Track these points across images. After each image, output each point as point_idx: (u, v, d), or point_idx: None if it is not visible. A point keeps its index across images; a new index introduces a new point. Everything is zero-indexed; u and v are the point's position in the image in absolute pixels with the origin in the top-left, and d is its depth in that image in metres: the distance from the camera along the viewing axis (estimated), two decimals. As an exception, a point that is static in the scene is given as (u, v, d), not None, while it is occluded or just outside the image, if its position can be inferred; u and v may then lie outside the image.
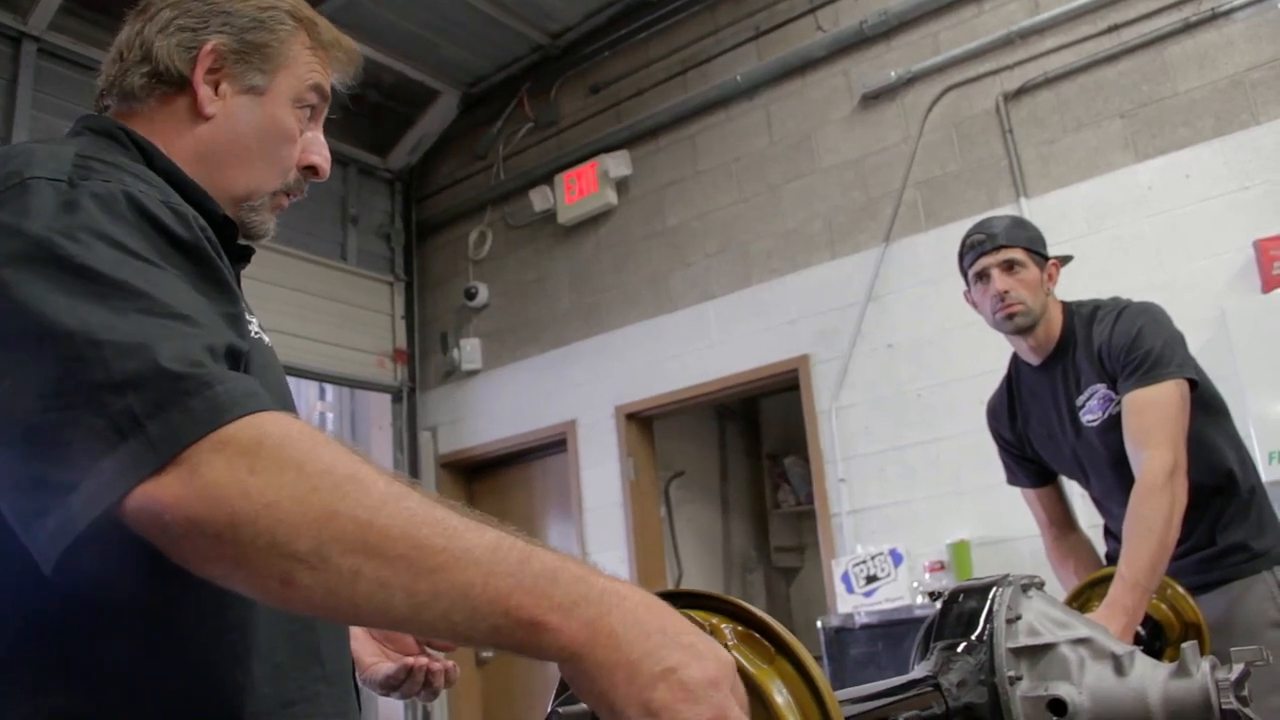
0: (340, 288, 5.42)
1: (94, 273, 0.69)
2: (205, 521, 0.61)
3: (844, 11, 4.44)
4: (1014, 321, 2.09)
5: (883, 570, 3.80)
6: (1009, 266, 2.09)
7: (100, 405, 0.64)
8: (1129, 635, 1.69)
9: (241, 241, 1.01)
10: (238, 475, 0.62)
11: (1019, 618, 0.97)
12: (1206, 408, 2.03)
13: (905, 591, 3.73)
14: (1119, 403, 1.98)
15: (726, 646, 0.62)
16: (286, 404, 0.94)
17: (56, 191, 0.74)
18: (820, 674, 0.62)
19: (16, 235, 0.71)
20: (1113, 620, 1.66)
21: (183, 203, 0.82)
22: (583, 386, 4.99)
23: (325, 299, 5.27)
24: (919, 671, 0.95)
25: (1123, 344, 1.99)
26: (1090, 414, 2.06)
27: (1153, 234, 3.59)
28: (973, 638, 0.95)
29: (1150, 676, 0.93)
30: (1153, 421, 1.89)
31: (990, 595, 0.97)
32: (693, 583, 5.08)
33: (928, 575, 3.74)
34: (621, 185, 5.04)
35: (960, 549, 3.72)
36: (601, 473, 4.85)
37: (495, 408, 5.32)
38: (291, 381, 1.02)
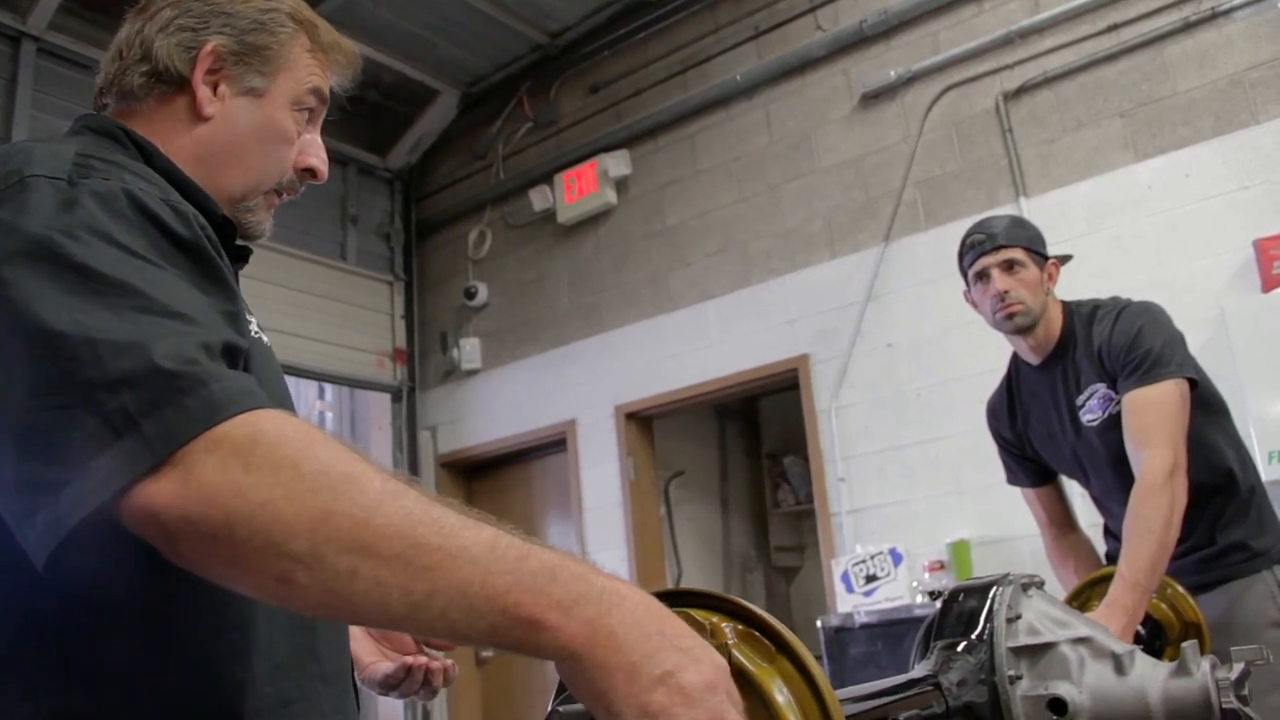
0: (340, 287, 5.42)
1: (92, 271, 0.69)
2: (200, 521, 0.61)
3: (844, 11, 4.44)
4: (1014, 321, 2.09)
5: (882, 570, 3.80)
6: (1009, 266, 2.09)
7: (95, 404, 0.64)
8: (1129, 634, 1.69)
9: (240, 242, 1.01)
10: (232, 474, 0.62)
11: (1019, 617, 0.97)
12: (1206, 407, 2.03)
13: (905, 591, 3.73)
14: (1119, 402, 1.98)
15: (727, 646, 0.62)
16: (285, 404, 0.94)
17: (56, 190, 0.74)
18: (820, 673, 0.62)
19: (15, 233, 0.71)
20: (1113, 619, 1.66)
21: (183, 201, 0.82)
22: (582, 386, 4.99)
23: (325, 298, 5.27)
24: (919, 671, 0.95)
25: (1123, 343, 1.99)
26: (1090, 413, 2.06)
27: (1152, 233, 3.59)
28: (973, 637, 0.95)
29: (1150, 676, 0.93)
30: (1153, 421, 1.89)
31: (990, 594, 0.97)
32: (692, 582, 5.08)
33: (927, 575, 3.74)
34: (621, 185, 5.04)
35: (960, 548, 3.72)
36: (601, 472, 4.85)
37: (495, 407, 5.32)
38: (291, 381, 1.02)
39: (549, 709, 0.65)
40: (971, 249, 2.13)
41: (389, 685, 1.16)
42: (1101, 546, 2.25)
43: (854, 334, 4.17)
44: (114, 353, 0.65)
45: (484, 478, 5.54)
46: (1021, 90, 3.93)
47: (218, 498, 0.61)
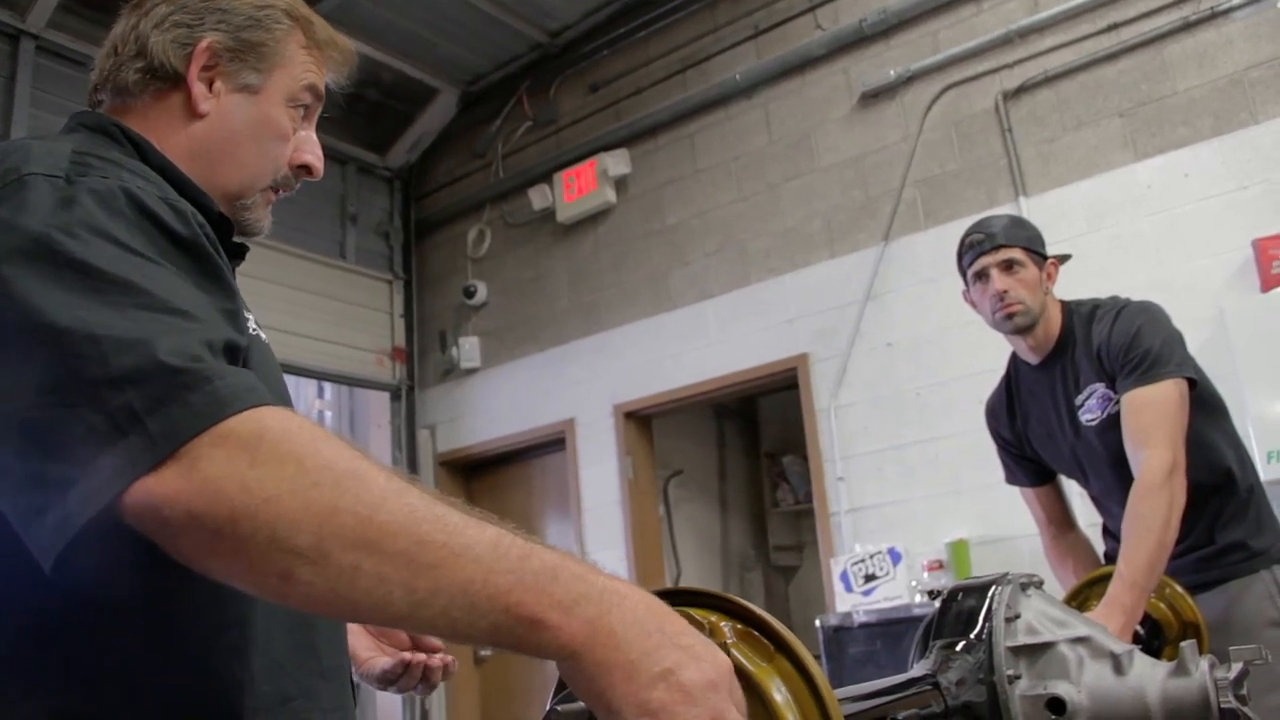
0: (339, 286, 5.42)
1: (92, 269, 0.69)
2: (205, 516, 0.61)
3: (843, 10, 4.44)
4: (1013, 321, 2.09)
5: (881, 569, 3.80)
6: (1008, 266, 2.09)
7: (99, 401, 0.64)
8: (1127, 634, 1.69)
9: (237, 239, 1.00)
10: (238, 469, 0.61)
11: (1018, 616, 0.97)
12: (1205, 407, 2.03)
13: (904, 590, 3.73)
14: (1118, 402, 1.98)
15: (726, 644, 0.62)
16: (285, 401, 0.94)
17: (54, 188, 0.74)
18: (819, 672, 0.62)
19: (14, 231, 0.71)
20: (1111, 619, 1.66)
21: (180, 199, 0.82)
22: (581, 385, 4.98)
23: (324, 297, 5.27)
24: (918, 670, 0.95)
25: (1122, 343, 1.99)
26: (1089, 413, 2.05)
27: (1152, 233, 3.59)
28: (972, 636, 0.95)
29: (1149, 675, 0.93)
30: (1151, 421, 1.89)
31: (989, 594, 0.97)
32: (691, 581, 5.08)
33: (926, 574, 3.74)
34: (620, 184, 5.03)
35: (959, 548, 3.72)
36: (600, 471, 4.85)
37: (494, 406, 5.32)
38: (290, 380, 1.02)
39: (547, 708, 0.65)
40: (971, 249, 2.13)
41: (387, 680, 1.16)
42: (1100, 546, 2.25)
43: (853, 333, 4.17)
44: (118, 349, 0.65)
45: (483, 477, 5.54)
46: (1021, 89, 3.93)
47: (223, 492, 0.61)
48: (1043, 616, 0.98)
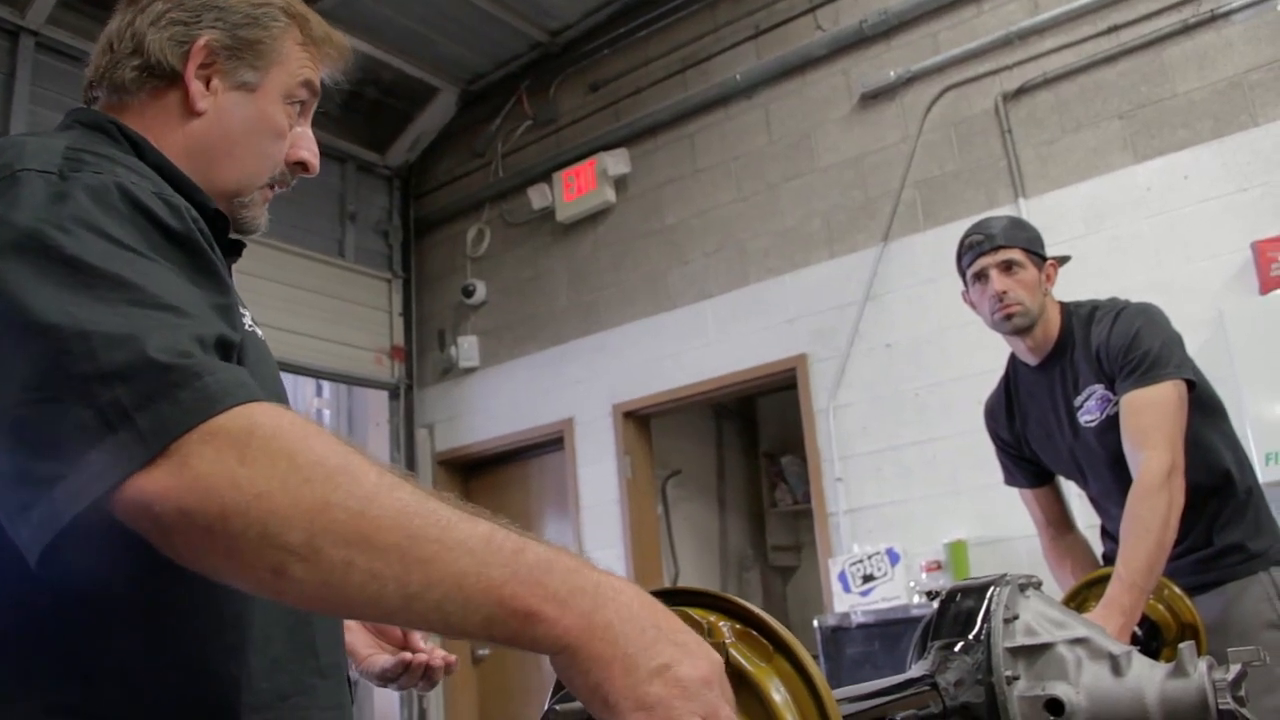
0: (338, 284, 5.42)
1: (83, 264, 0.69)
2: (195, 513, 0.61)
3: (843, 11, 4.44)
4: (1012, 322, 2.09)
5: (879, 570, 3.80)
6: (1007, 267, 2.08)
7: (88, 397, 0.63)
8: (1126, 635, 1.69)
9: (233, 236, 1.00)
10: (228, 466, 0.61)
11: (1016, 617, 0.97)
12: (1204, 408, 2.03)
13: (902, 591, 3.73)
14: (1117, 403, 1.98)
15: (724, 644, 0.62)
16: (280, 398, 0.94)
17: (47, 183, 0.74)
18: (818, 672, 0.61)
19: (6, 226, 0.71)
20: (1110, 620, 1.66)
21: (175, 195, 0.81)
22: (580, 384, 4.98)
23: (323, 295, 5.27)
24: (916, 670, 0.95)
25: (1121, 344, 1.99)
26: (1088, 414, 2.05)
27: (1151, 235, 3.59)
28: (970, 637, 0.95)
29: (1147, 676, 0.93)
30: (1150, 422, 1.89)
31: (988, 595, 0.97)
32: (689, 581, 5.08)
33: (924, 575, 3.74)
34: (620, 183, 5.03)
35: (957, 549, 3.72)
36: (598, 471, 4.85)
37: (492, 405, 5.32)
38: (288, 378, 1.02)
39: (546, 707, 0.64)
40: (970, 249, 2.13)
41: (387, 678, 1.16)
42: (1099, 547, 2.25)
43: (852, 334, 4.17)
44: (107, 345, 0.65)
45: (481, 476, 5.53)
46: (1021, 91, 3.93)
47: (213, 489, 0.61)
48: (1041, 617, 0.98)
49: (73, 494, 0.62)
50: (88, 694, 0.75)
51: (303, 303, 5.08)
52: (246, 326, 0.90)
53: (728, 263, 4.62)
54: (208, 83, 0.96)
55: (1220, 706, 0.89)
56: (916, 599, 3.65)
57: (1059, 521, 2.28)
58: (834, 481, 4.13)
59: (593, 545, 4.74)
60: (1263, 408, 3.09)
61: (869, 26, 4.30)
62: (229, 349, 0.71)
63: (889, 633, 3.53)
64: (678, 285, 4.76)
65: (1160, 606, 1.83)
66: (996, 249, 2.09)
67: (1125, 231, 3.64)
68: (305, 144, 1.03)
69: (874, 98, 4.30)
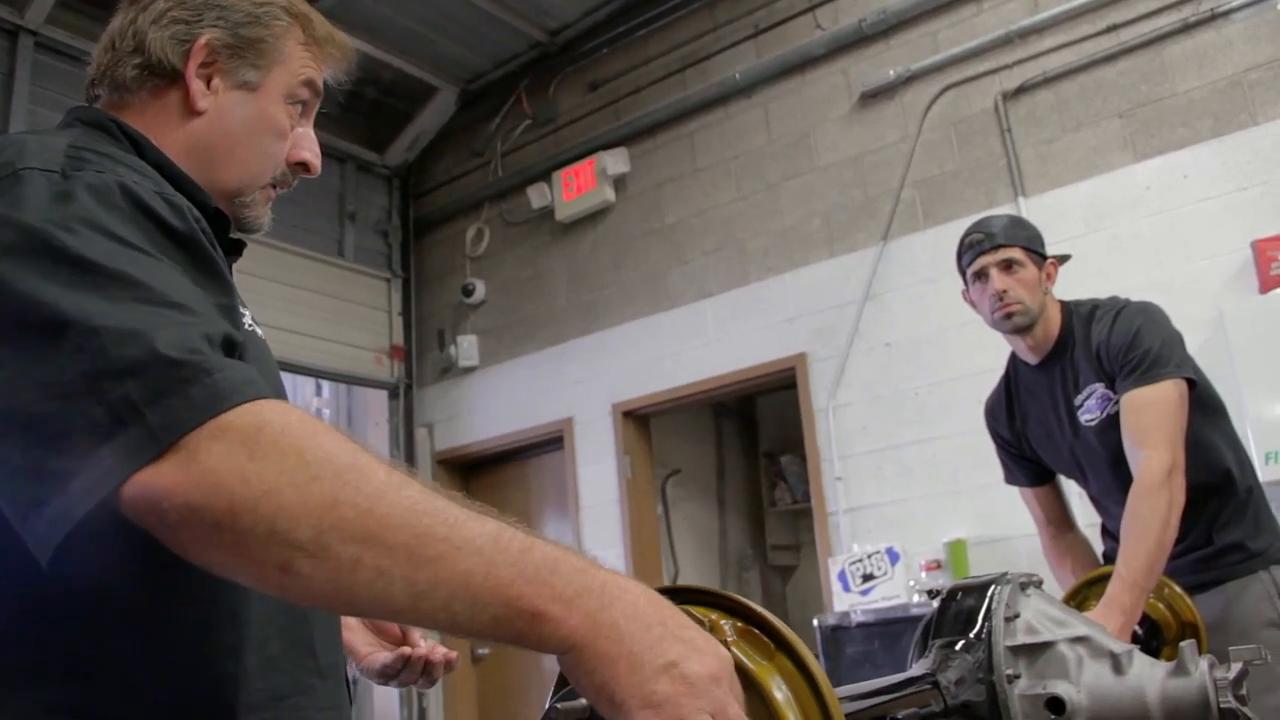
0: (337, 284, 5.41)
1: (89, 263, 0.69)
2: (204, 508, 0.61)
3: (843, 10, 4.44)
4: (1012, 321, 2.08)
5: (879, 569, 3.80)
6: (1007, 266, 2.08)
7: (99, 393, 0.63)
8: (1126, 634, 1.69)
9: (234, 235, 1.00)
10: (237, 462, 0.61)
11: (1017, 616, 0.97)
12: (1204, 408, 2.03)
13: (902, 590, 3.73)
14: (1117, 402, 1.98)
15: (726, 643, 0.62)
16: (281, 397, 0.94)
17: (50, 182, 0.74)
18: (820, 671, 0.61)
19: (10, 226, 0.70)
20: (1110, 619, 1.66)
21: (176, 194, 0.81)
22: (580, 384, 4.98)
23: (322, 295, 5.27)
24: (917, 669, 0.95)
25: (1121, 343, 1.99)
26: (1088, 413, 2.05)
27: (1151, 234, 3.59)
28: (971, 636, 0.95)
29: (1148, 675, 0.93)
30: (1151, 421, 1.89)
31: (989, 593, 0.97)
32: (689, 581, 5.08)
33: (924, 574, 3.74)
34: (619, 183, 5.03)
35: (957, 548, 3.72)
36: (598, 470, 4.85)
37: (492, 405, 5.32)
38: (288, 377, 1.02)
39: (547, 705, 0.64)
40: (970, 248, 2.13)
41: (387, 675, 1.15)
42: (1099, 546, 2.25)
43: (852, 333, 4.17)
44: (117, 341, 0.65)
45: (481, 475, 5.53)
46: (1020, 90, 3.93)
47: (222, 485, 0.61)
48: (1042, 616, 0.98)
49: (86, 490, 0.62)
50: (88, 693, 0.75)
51: (302, 302, 5.08)
52: (247, 326, 0.90)
53: (727, 262, 4.62)
54: (209, 82, 0.96)
55: (1221, 705, 0.89)
56: (916, 598, 3.65)
57: (1059, 520, 2.28)
58: (834, 481, 4.13)
59: (592, 545, 4.74)
60: (1263, 407, 3.09)
61: (868, 25, 4.30)
62: (233, 348, 0.71)
63: (888, 632, 3.54)
64: (677, 285, 4.76)
65: (1161, 605, 1.83)
66: (996, 248, 2.09)
67: (1125, 231, 3.64)
68: (307, 144, 1.03)
69: (873, 97, 4.30)
